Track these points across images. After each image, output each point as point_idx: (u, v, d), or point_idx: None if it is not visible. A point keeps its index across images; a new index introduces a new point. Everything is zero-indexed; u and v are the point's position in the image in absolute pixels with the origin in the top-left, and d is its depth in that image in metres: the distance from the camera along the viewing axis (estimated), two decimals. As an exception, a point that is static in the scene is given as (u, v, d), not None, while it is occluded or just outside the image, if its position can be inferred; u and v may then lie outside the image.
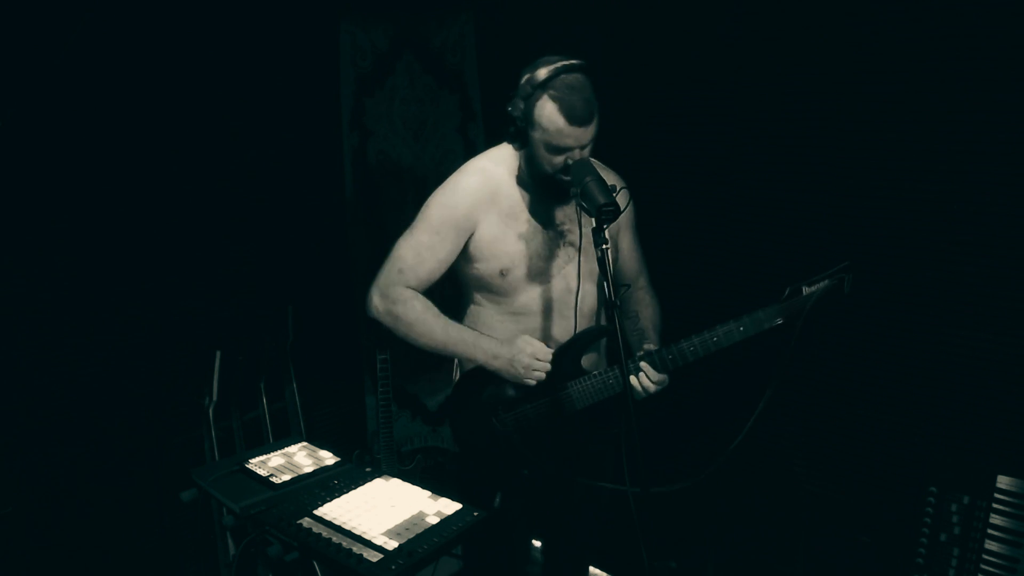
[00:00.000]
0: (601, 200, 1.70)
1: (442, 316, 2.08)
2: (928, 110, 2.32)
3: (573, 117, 1.85)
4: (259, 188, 3.17)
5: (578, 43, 2.27)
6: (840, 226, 2.56)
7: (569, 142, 1.88)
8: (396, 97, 3.52)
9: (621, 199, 1.76)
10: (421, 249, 2.06)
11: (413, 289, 2.08)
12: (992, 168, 2.23)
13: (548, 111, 1.87)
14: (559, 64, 1.89)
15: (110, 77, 2.69)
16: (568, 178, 1.89)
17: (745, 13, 2.67)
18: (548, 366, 2.02)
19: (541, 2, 3.22)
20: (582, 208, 1.80)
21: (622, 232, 2.23)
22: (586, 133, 1.89)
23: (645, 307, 2.29)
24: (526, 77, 1.92)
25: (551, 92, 1.87)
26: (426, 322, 2.06)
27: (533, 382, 2.03)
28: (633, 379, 1.99)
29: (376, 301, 2.09)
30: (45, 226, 2.62)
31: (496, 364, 2.04)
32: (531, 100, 1.90)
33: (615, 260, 2.21)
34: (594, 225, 1.70)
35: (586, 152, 1.93)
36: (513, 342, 2.04)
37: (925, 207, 2.37)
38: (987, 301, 2.29)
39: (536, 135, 1.92)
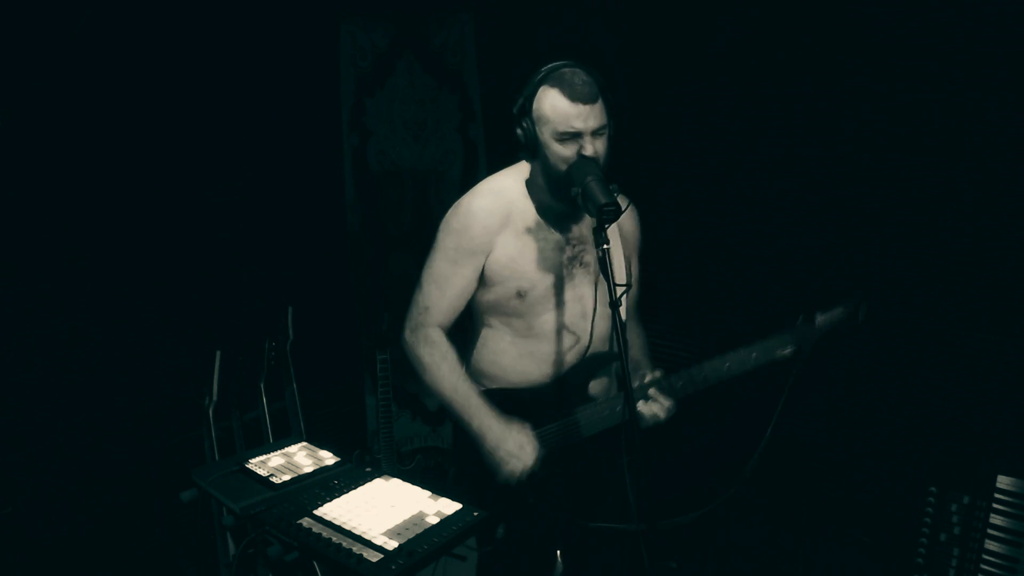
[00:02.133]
0: (602, 199, 1.69)
1: (457, 372, 2.05)
2: (930, 111, 2.32)
3: (574, 95, 1.83)
4: (259, 188, 3.17)
5: (579, 43, 2.27)
6: (840, 227, 2.56)
7: (577, 124, 1.84)
8: (396, 97, 3.52)
9: (621, 200, 1.75)
10: (441, 281, 2.04)
11: (441, 325, 2.07)
12: (992, 168, 2.23)
13: (549, 98, 1.87)
14: (555, 63, 1.91)
15: (110, 78, 2.69)
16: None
17: (753, 18, 2.67)
18: (528, 465, 1.96)
19: (542, 2, 3.22)
20: (583, 208, 1.79)
21: (633, 258, 2.20)
22: (592, 112, 1.84)
23: (635, 337, 2.25)
24: (527, 84, 1.93)
25: (548, 83, 1.88)
26: (440, 371, 2.04)
27: (504, 476, 1.97)
28: (643, 406, 1.97)
29: (408, 337, 2.10)
30: (46, 227, 2.62)
31: (483, 441, 1.99)
32: (532, 98, 1.90)
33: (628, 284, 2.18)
34: (594, 225, 1.70)
35: (599, 145, 1.88)
36: (509, 427, 1.98)
37: (926, 207, 2.37)
38: (987, 301, 2.29)
39: (545, 132, 1.89)
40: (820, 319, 1.95)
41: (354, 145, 3.50)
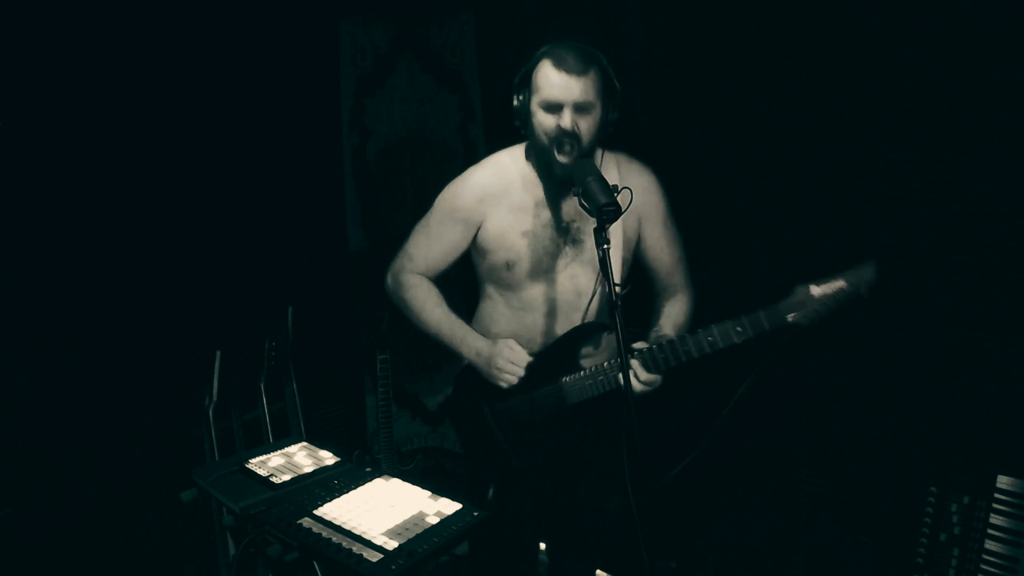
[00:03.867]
0: (602, 200, 1.70)
1: (442, 306, 2.18)
2: (929, 110, 2.32)
3: (561, 64, 1.87)
4: (259, 188, 3.17)
5: (578, 42, 2.26)
6: (841, 226, 2.56)
7: (557, 93, 1.87)
8: (396, 97, 3.52)
9: (622, 199, 1.76)
10: (430, 237, 2.16)
11: (421, 275, 2.19)
12: (993, 168, 2.23)
13: (543, 69, 1.92)
14: (562, 41, 1.96)
15: (110, 78, 2.69)
16: (562, 158, 1.89)
17: (757, 6, 2.66)
18: (521, 371, 2.06)
19: (541, 2, 3.22)
20: (584, 208, 1.79)
21: (648, 224, 2.17)
22: (576, 84, 1.86)
23: (674, 303, 2.21)
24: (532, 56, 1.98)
25: (546, 53, 1.94)
26: (425, 309, 2.17)
27: (504, 385, 2.08)
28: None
29: (389, 282, 2.25)
30: (46, 226, 2.62)
31: (478, 361, 2.11)
32: (533, 67, 1.96)
33: (645, 254, 2.20)
34: (595, 225, 1.70)
35: (581, 123, 1.89)
36: (496, 343, 2.09)
37: (926, 207, 2.38)
38: (987, 301, 2.29)
39: (534, 101, 1.95)
40: (816, 291, 1.83)
41: (354, 145, 3.49)
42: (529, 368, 2.08)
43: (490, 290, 2.21)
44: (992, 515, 2.10)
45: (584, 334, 2.13)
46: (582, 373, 2.07)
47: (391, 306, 2.27)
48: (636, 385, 1.96)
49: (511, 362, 2.05)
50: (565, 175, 1.92)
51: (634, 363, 1.95)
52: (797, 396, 2.70)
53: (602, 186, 1.74)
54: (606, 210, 1.69)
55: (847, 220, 2.54)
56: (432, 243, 2.16)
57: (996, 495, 2.11)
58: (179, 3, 2.82)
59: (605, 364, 2.04)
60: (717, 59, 2.78)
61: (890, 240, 2.45)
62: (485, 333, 2.19)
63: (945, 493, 2.18)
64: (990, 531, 2.09)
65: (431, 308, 2.17)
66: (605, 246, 1.67)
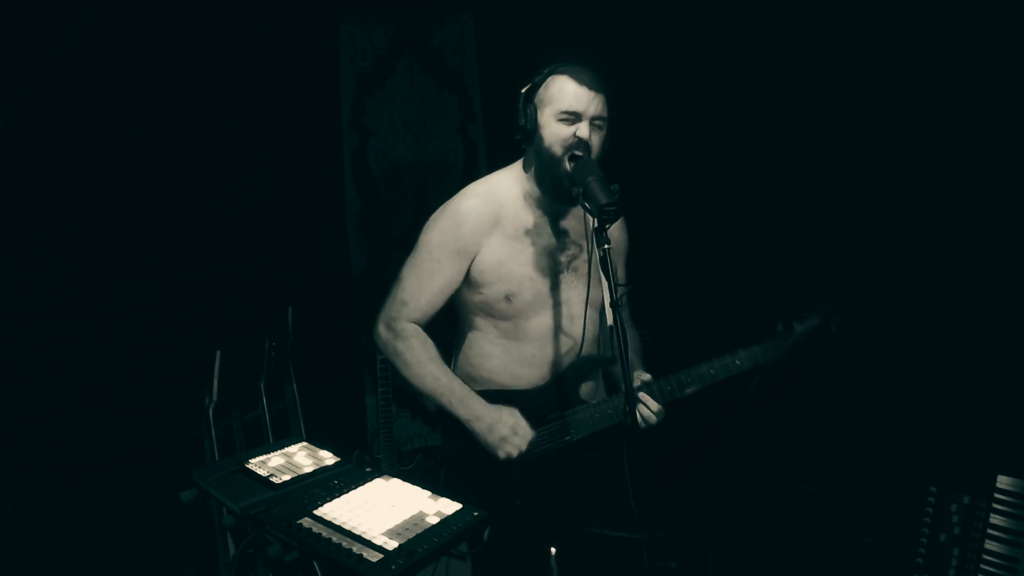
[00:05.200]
0: (603, 200, 1.70)
1: (438, 362, 2.04)
2: (924, 108, 2.33)
3: (582, 80, 1.91)
4: (259, 188, 3.17)
5: (577, 45, 2.27)
6: (838, 224, 2.56)
7: (578, 106, 1.90)
8: (396, 97, 3.52)
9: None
10: (423, 278, 2.03)
11: (416, 322, 2.06)
12: (991, 168, 2.24)
13: (558, 83, 1.94)
14: (569, 60, 1.98)
15: (110, 78, 2.69)
16: (571, 167, 1.88)
17: (742, 39, 2.68)
18: (524, 446, 1.98)
19: (541, 3, 3.23)
20: (584, 208, 1.79)
21: (620, 264, 2.22)
22: (595, 100, 1.91)
23: (629, 339, 2.22)
24: (538, 72, 1.99)
25: (560, 71, 1.95)
26: (421, 365, 2.03)
27: (503, 456, 1.97)
28: None
29: (381, 332, 2.08)
30: (46, 226, 2.62)
31: (476, 426, 1.99)
32: (540, 84, 1.96)
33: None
34: (595, 225, 1.70)
35: (595, 136, 1.92)
36: (500, 409, 1.99)
37: (924, 207, 2.38)
38: (987, 301, 2.29)
39: (546, 112, 1.94)
40: (799, 328, 2.07)
41: (354, 145, 3.49)
42: (534, 402, 2.04)
43: (479, 323, 2.11)
44: (992, 515, 2.10)
45: (584, 368, 2.11)
46: (588, 407, 2.06)
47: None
48: (649, 416, 2.00)
49: (515, 433, 1.97)
50: (569, 181, 1.91)
51: (643, 396, 1.99)
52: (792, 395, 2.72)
53: (603, 186, 1.74)
54: (607, 210, 1.69)
55: (846, 232, 2.55)
56: (426, 285, 2.03)
57: (996, 495, 2.11)
58: (180, 3, 2.82)
59: (611, 398, 2.06)
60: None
61: (890, 241, 2.45)
62: (477, 369, 2.12)
63: (945, 493, 2.18)
64: (990, 531, 2.09)
65: (427, 363, 2.03)
66: (606, 246, 1.68)
